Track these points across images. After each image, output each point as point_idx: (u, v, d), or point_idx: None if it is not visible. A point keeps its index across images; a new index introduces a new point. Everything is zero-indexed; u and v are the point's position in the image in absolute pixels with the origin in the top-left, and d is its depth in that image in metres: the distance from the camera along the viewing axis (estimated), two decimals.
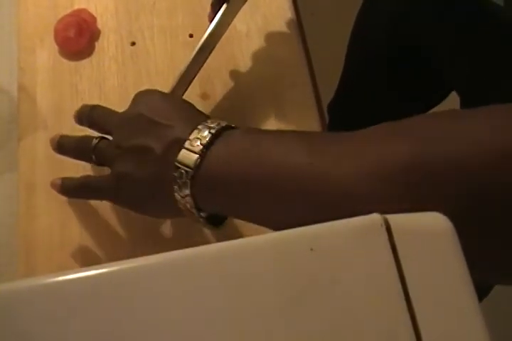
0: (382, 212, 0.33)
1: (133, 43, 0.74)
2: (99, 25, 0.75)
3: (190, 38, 0.73)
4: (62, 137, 0.61)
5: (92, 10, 0.76)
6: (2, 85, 0.74)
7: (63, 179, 0.59)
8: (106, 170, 0.56)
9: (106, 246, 0.64)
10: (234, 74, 0.71)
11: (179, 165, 0.47)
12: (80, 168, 0.64)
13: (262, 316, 0.30)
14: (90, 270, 0.30)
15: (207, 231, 0.62)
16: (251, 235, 0.35)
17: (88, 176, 0.59)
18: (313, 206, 0.41)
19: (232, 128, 0.49)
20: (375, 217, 0.32)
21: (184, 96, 0.62)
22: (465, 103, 0.85)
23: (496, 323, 1.28)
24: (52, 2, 0.77)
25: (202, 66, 0.63)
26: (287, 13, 0.73)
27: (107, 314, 0.29)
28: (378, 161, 0.38)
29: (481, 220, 0.35)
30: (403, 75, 0.98)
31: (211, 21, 0.63)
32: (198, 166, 0.46)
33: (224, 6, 0.63)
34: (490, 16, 0.65)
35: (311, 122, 0.66)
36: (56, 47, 0.74)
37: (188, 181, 0.46)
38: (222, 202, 0.47)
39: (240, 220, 0.49)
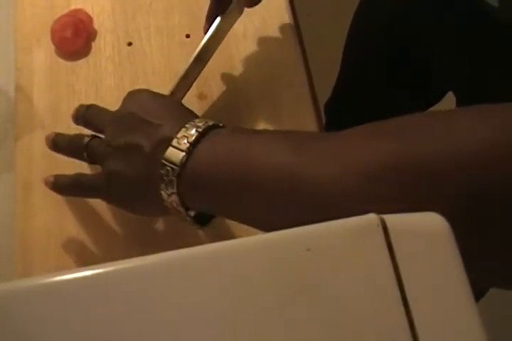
0: (378, 212, 0.33)
1: (129, 43, 0.74)
2: (96, 25, 0.75)
3: (187, 39, 0.73)
4: (57, 135, 0.61)
5: (89, 10, 0.76)
6: None
7: (56, 176, 0.60)
8: (100, 169, 0.56)
9: (103, 246, 0.64)
10: (231, 74, 0.71)
11: (166, 163, 0.47)
12: (76, 168, 0.64)
13: (258, 316, 0.30)
14: (87, 270, 0.30)
15: (203, 232, 0.62)
16: (248, 235, 0.35)
17: (80, 174, 0.59)
18: (300, 206, 0.41)
19: (220, 127, 0.50)
20: (372, 217, 0.32)
21: None
22: (462, 103, 0.85)
23: (493, 323, 1.28)
24: (48, 2, 0.77)
25: (198, 76, 0.63)
26: (284, 13, 0.73)
27: (104, 314, 0.29)
28: (366, 161, 0.38)
29: (480, 220, 0.35)
30: (402, 75, 0.98)
31: (206, 33, 0.63)
32: (184, 164, 0.47)
33: (218, 18, 0.63)
34: (487, 17, 0.65)
35: (308, 122, 0.66)
36: (53, 48, 0.74)
37: (174, 179, 0.47)
38: (207, 200, 0.48)
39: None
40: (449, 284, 0.30)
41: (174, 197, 0.48)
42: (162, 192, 0.48)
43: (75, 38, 0.73)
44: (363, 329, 0.30)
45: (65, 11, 0.76)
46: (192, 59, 0.62)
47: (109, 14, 0.76)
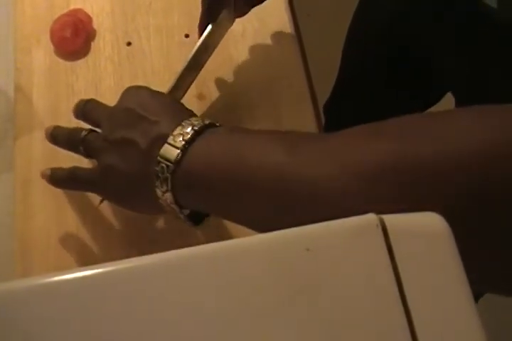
0: (378, 212, 0.33)
1: (129, 43, 0.74)
2: (95, 25, 0.75)
3: (186, 38, 0.73)
4: (56, 128, 0.62)
5: (88, 10, 0.76)
6: None
7: (53, 169, 0.61)
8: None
9: (102, 246, 0.64)
10: (230, 74, 0.71)
11: (161, 160, 0.48)
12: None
13: (257, 316, 0.30)
14: (87, 270, 0.30)
15: (202, 232, 0.62)
16: (247, 235, 0.35)
17: (77, 167, 0.59)
18: (296, 207, 0.41)
19: (216, 126, 0.50)
20: (371, 217, 0.32)
21: None
22: (462, 103, 0.85)
23: (492, 323, 1.28)
24: (48, 2, 0.77)
25: (192, 83, 0.64)
26: (283, 13, 0.73)
27: (103, 314, 0.29)
28: (365, 161, 0.38)
29: (480, 220, 0.35)
30: (401, 75, 0.98)
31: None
32: (178, 161, 0.47)
33: (210, 27, 0.63)
34: (486, 17, 0.65)
35: (307, 123, 0.66)
36: (52, 48, 0.74)
37: (168, 176, 0.47)
38: (201, 199, 0.48)
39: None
40: (449, 284, 0.30)
41: (168, 195, 0.48)
42: (157, 189, 0.49)
43: (74, 38, 0.73)
44: (362, 330, 0.30)
45: (65, 11, 0.76)
46: (183, 68, 0.63)
47: (109, 14, 0.76)
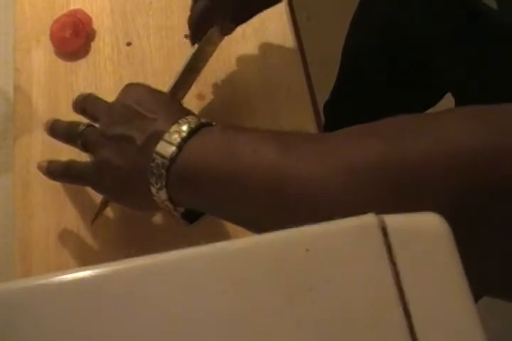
0: (377, 212, 0.33)
1: (129, 43, 0.74)
2: (95, 25, 0.75)
3: (186, 38, 0.73)
4: (55, 121, 0.62)
5: (88, 10, 0.76)
6: None
7: (49, 161, 0.61)
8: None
9: (102, 246, 0.64)
10: (229, 75, 0.71)
11: (156, 156, 0.48)
12: None
13: (257, 317, 0.30)
14: (87, 270, 0.30)
15: (203, 232, 0.62)
16: (247, 236, 0.35)
17: (73, 161, 0.60)
18: (287, 206, 0.41)
19: (213, 125, 0.50)
20: (371, 217, 0.32)
21: None
22: (461, 104, 0.85)
23: (492, 323, 1.28)
24: (48, 2, 0.77)
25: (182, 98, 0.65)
26: (283, 15, 0.73)
27: (103, 314, 0.29)
28: (356, 162, 0.38)
29: (475, 220, 0.35)
30: (401, 76, 0.98)
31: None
32: (173, 158, 0.47)
33: (196, 46, 0.64)
34: (486, 18, 0.65)
35: (307, 123, 0.66)
36: (52, 48, 0.74)
37: (163, 172, 0.48)
38: (194, 196, 0.48)
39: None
40: (449, 284, 0.30)
41: (163, 192, 0.49)
42: (151, 186, 0.49)
43: (74, 38, 0.73)
44: (362, 330, 0.30)
45: (65, 11, 0.76)
46: (170, 87, 0.63)
47: (109, 14, 0.76)
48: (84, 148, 0.58)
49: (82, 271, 0.30)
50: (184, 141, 0.48)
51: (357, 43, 1.03)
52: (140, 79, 0.71)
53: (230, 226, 0.62)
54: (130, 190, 0.53)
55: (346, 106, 1.15)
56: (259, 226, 0.44)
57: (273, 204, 0.42)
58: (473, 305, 0.30)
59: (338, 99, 1.18)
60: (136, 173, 0.51)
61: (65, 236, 0.64)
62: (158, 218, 0.65)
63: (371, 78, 1.03)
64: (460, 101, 0.86)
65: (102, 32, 0.75)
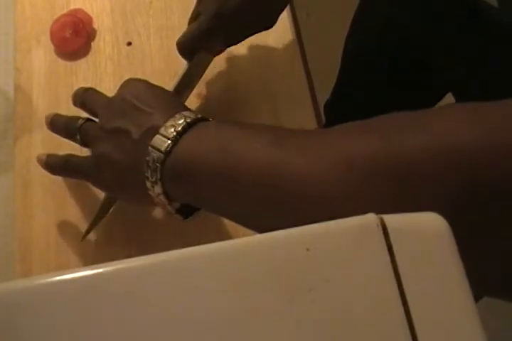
0: (376, 211, 0.33)
1: (129, 43, 0.74)
2: (96, 25, 0.75)
3: None
4: (55, 116, 0.63)
5: (88, 10, 0.76)
6: None
7: (48, 155, 0.62)
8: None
9: (102, 245, 0.64)
10: (229, 73, 0.71)
11: (152, 150, 0.48)
12: None
13: (256, 317, 0.30)
14: (87, 270, 0.30)
15: (203, 232, 0.62)
16: (247, 235, 0.35)
17: (71, 155, 0.60)
18: (280, 202, 0.41)
19: (209, 121, 0.51)
20: (371, 217, 0.32)
21: None
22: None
23: (492, 323, 1.28)
24: (48, 2, 0.77)
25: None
26: (283, 13, 0.73)
27: (103, 314, 0.29)
28: (352, 158, 0.38)
29: (475, 218, 0.35)
30: (401, 75, 0.98)
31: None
32: (168, 152, 0.48)
33: (186, 65, 0.64)
34: (487, 17, 0.65)
35: (308, 123, 0.66)
36: (52, 47, 0.74)
37: (158, 166, 0.48)
38: (188, 191, 0.49)
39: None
40: (449, 284, 0.30)
41: (158, 186, 0.49)
42: (147, 180, 0.49)
43: (74, 38, 0.73)
44: (362, 330, 0.30)
45: (65, 11, 0.76)
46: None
47: (109, 14, 0.76)
48: (83, 142, 0.58)
49: (82, 271, 0.30)
50: (179, 134, 0.48)
51: (357, 43, 1.03)
52: None
53: (230, 227, 0.62)
54: (128, 184, 0.54)
55: (347, 105, 1.15)
56: (255, 222, 0.45)
57: (270, 199, 0.42)
58: (474, 305, 0.30)
59: (338, 100, 1.18)
60: (132, 167, 0.51)
61: (65, 236, 0.64)
62: (158, 218, 0.65)
63: (371, 78, 1.03)
64: (460, 101, 0.86)
65: (103, 32, 0.75)
